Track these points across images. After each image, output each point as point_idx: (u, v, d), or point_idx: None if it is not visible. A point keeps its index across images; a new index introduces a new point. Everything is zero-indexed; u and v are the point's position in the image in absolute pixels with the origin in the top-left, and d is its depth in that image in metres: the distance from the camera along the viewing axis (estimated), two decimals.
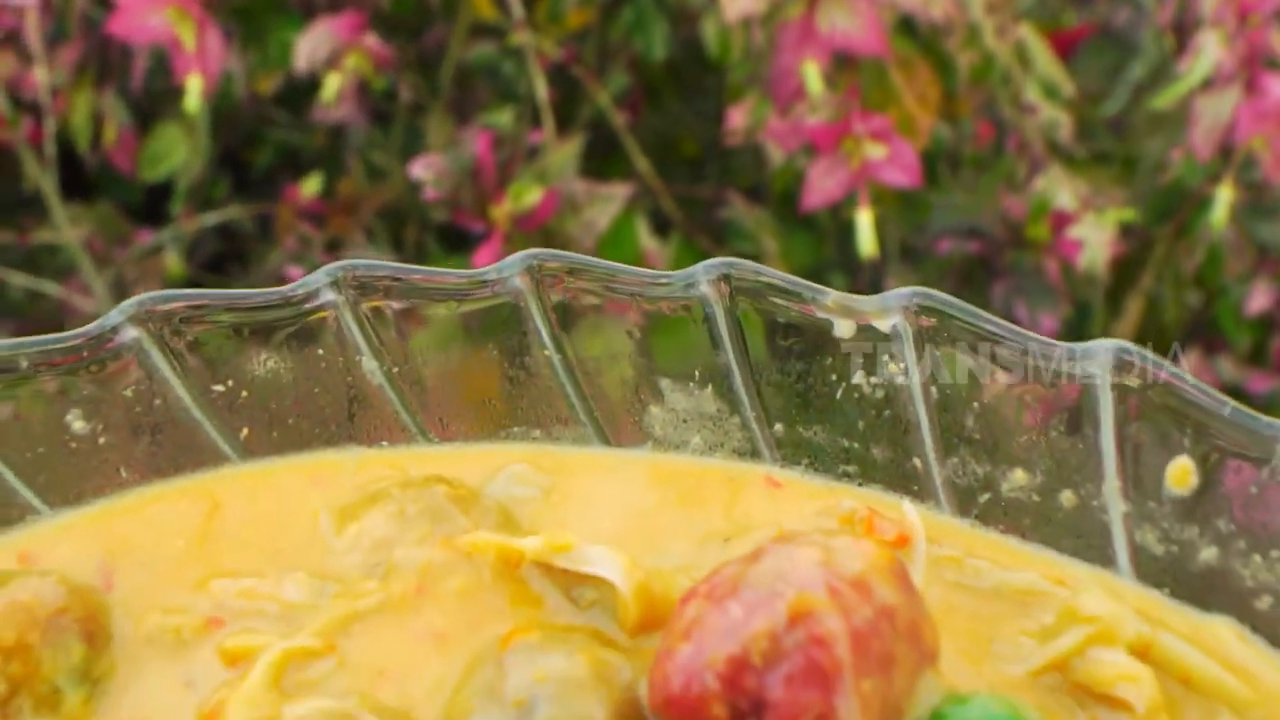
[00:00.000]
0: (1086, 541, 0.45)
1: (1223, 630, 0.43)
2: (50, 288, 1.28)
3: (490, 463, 0.47)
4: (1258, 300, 1.30)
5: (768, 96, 1.14)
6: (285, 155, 1.40)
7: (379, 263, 0.47)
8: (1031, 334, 0.45)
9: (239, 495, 0.46)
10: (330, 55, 1.23)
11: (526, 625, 0.39)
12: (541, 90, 1.21)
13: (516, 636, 0.38)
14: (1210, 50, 1.20)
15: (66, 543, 0.44)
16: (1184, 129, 1.19)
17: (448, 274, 0.47)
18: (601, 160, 1.28)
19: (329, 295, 0.47)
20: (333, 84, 1.22)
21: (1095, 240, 1.24)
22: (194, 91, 1.15)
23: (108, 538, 0.44)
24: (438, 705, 0.38)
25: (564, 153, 1.20)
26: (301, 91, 1.30)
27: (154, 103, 1.31)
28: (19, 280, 1.28)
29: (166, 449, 0.46)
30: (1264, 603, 0.43)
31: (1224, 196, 1.19)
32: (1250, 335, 1.34)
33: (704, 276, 0.47)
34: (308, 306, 0.47)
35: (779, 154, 1.21)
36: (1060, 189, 1.24)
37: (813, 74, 1.09)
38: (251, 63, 1.29)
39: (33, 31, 1.24)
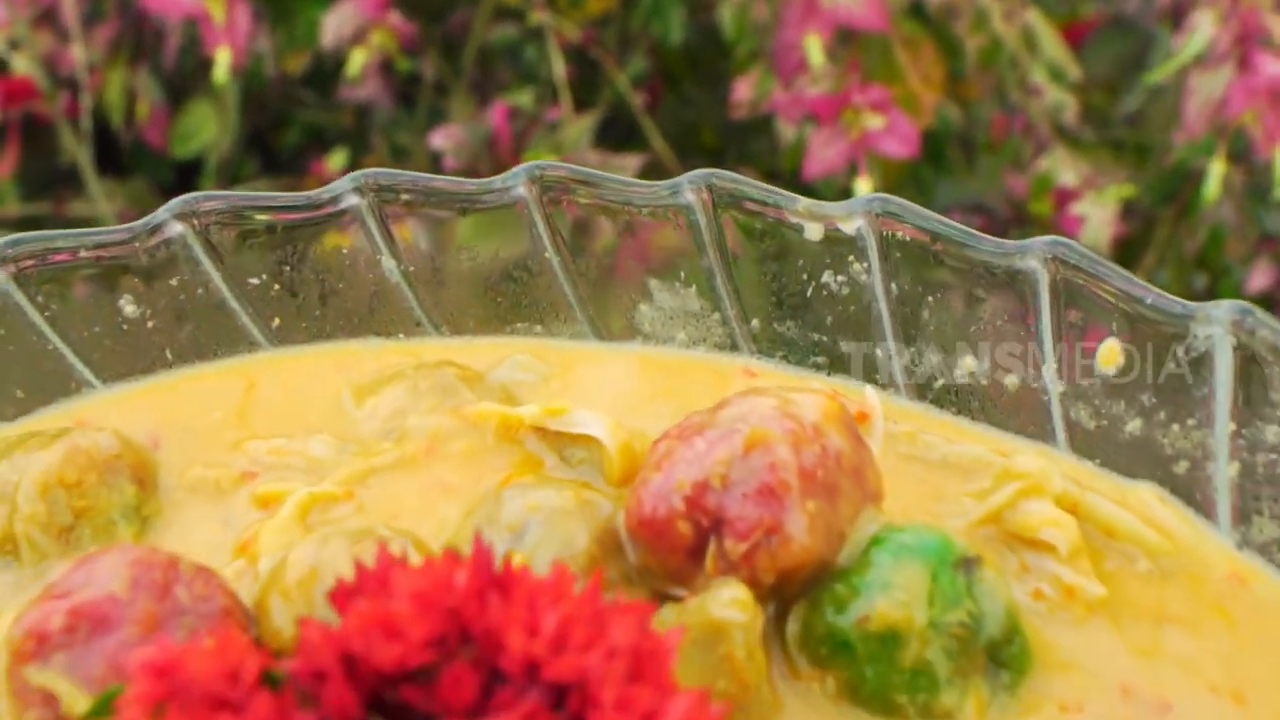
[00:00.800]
0: (1028, 419, 0.50)
1: (1146, 494, 0.48)
2: None
3: (496, 353, 0.52)
4: (1258, 279, 1.33)
5: (772, 70, 1.18)
6: (312, 135, 1.44)
7: (398, 171, 0.52)
8: (980, 234, 0.50)
9: (271, 377, 0.51)
10: (356, 32, 1.27)
11: (522, 471, 0.45)
12: (559, 68, 1.25)
13: (513, 479, 0.43)
14: (1204, 28, 1.23)
15: (117, 413, 0.49)
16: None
17: (461, 181, 0.52)
18: (619, 144, 1.32)
19: (352, 199, 0.52)
20: (358, 59, 1.26)
21: (1097, 218, 1.27)
22: (222, 63, 1.20)
23: (154, 409, 0.50)
24: (444, 540, 0.43)
25: (579, 125, 1.24)
26: (328, 72, 1.34)
27: (185, 81, 1.36)
28: None
29: (207, 333, 0.52)
30: (1181, 468, 0.48)
31: (1216, 170, 1.22)
32: None
33: (688, 185, 0.52)
34: (333, 209, 0.52)
35: (789, 133, 1.24)
36: (1064, 169, 1.28)
37: (814, 47, 1.13)
38: (279, 43, 1.34)
39: (70, 10, 1.29)
